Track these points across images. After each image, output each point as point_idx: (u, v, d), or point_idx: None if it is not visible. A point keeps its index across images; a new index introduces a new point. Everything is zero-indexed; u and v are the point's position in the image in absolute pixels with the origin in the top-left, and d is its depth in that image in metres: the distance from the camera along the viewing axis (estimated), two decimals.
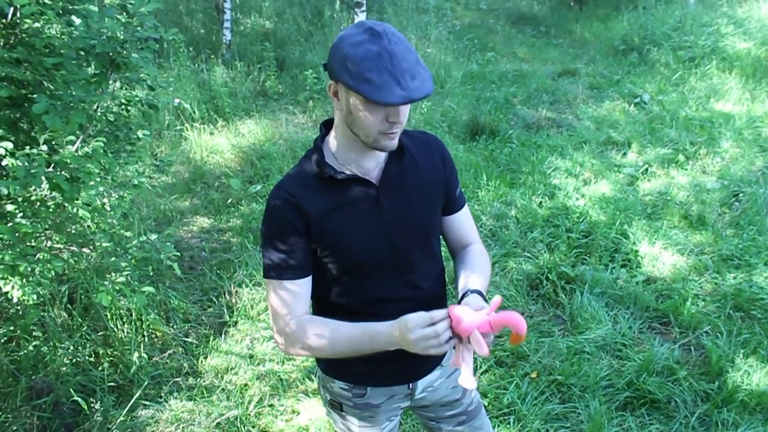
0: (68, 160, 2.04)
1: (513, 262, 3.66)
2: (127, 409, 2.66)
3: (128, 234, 2.82)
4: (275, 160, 5.21)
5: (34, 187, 2.01)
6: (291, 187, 1.34)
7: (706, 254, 3.64)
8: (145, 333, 3.08)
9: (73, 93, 2.18)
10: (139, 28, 2.23)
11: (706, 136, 5.15)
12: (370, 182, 1.36)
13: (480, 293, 1.33)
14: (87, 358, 2.90)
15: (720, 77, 6.46)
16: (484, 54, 8.25)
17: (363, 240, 1.35)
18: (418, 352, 1.19)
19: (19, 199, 2.16)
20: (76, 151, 2.20)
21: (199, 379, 2.92)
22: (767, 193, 4.16)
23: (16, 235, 2.06)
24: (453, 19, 9.96)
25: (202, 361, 3.03)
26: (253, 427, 2.64)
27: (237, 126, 6.07)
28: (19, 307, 2.77)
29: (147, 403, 2.75)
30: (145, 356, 2.96)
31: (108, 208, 2.47)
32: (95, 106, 2.43)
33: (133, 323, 3.04)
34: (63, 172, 2.04)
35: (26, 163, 1.92)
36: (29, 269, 2.09)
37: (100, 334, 3.02)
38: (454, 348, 1.22)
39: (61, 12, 2.31)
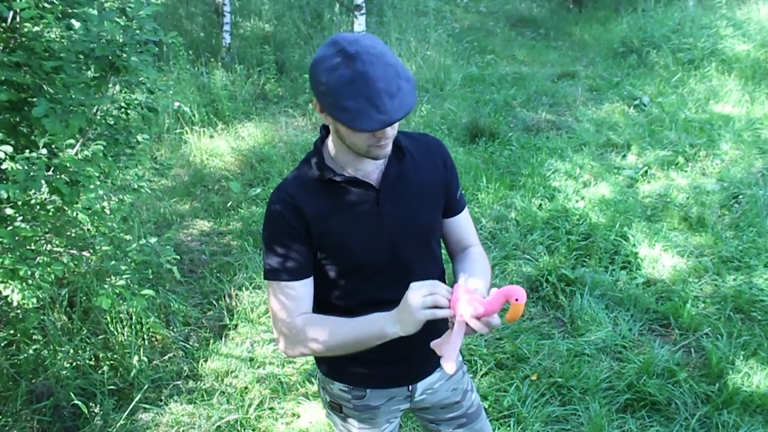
0: (68, 164, 2.04)
1: (513, 265, 3.66)
2: (127, 412, 2.65)
3: (128, 237, 2.81)
4: (275, 163, 5.21)
5: (33, 191, 2.01)
6: (291, 190, 1.35)
7: (706, 256, 3.64)
8: (145, 336, 3.08)
9: (73, 96, 2.18)
10: (138, 32, 2.24)
11: (705, 138, 5.15)
12: (370, 184, 1.36)
13: None
14: (87, 361, 2.90)
15: (719, 79, 6.47)
16: (484, 56, 8.26)
17: (363, 242, 1.36)
18: (412, 315, 1.18)
19: (19, 203, 2.16)
20: (76, 154, 2.20)
21: (199, 383, 2.92)
22: (767, 194, 4.17)
23: (16, 238, 2.06)
24: (452, 21, 9.96)
25: (202, 365, 3.03)
26: (253, 430, 2.64)
27: (237, 129, 6.08)
28: (19, 311, 2.77)
29: (147, 406, 2.75)
30: (145, 359, 2.95)
31: (108, 212, 2.47)
32: (95, 110, 2.43)
33: (133, 326, 3.04)
34: (63, 176, 2.04)
35: (26, 167, 1.92)
36: (29, 273, 2.09)
37: (100, 337, 3.02)
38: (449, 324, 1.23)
39: (60, 16, 2.31)
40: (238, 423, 2.64)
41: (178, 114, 5.99)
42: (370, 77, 1.12)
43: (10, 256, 2.04)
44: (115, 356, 2.95)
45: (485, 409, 1.81)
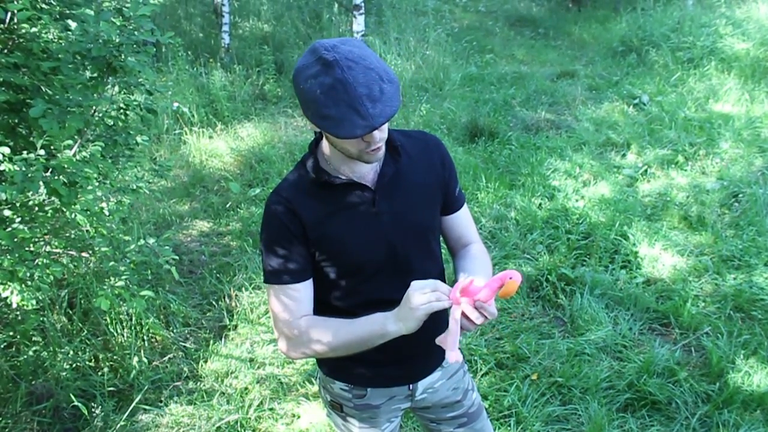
0: (66, 165, 2.03)
1: (513, 264, 3.66)
2: (127, 413, 2.65)
3: (127, 238, 2.81)
4: (274, 164, 5.21)
5: (31, 192, 2.01)
6: (288, 193, 1.35)
7: (705, 255, 3.63)
8: (145, 337, 3.08)
9: (71, 97, 2.18)
10: (135, 32, 2.23)
11: (705, 137, 5.15)
12: (366, 186, 1.36)
13: None
14: (87, 362, 2.89)
15: (719, 78, 6.46)
16: (483, 56, 8.26)
17: (360, 243, 1.35)
18: (413, 313, 1.20)
19: (17, 204, 2.16)
20: (74, 155, 2.20)
21: (199, 383, 2.92)
22: (767, 193, 4.16)
23: (15, 240, 2.06)
24: (451, 21, 9.96)
25: (202, 365, 3.03)
26: (253, 431, 2.63)
27: (236, 129, 6.07)
28: (18, 313, 2.77)
29: (147, 407, 2.74)
30: (145, 361, 2.95)
31: (107, 213, 2.46)
32: (93, 111, 2.43)
33: (132, 328, 3.03)
34: (61, 177, 2.04)
35: (24, 168, 1.91)
36: (28, 274, 2.08)
37: (99, 338, 3.02)
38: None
39: (57, 16, 2.31)
40: (238, 424, 2.64)
41: (177, 115, 5.98)
42: (349, 83, 1.11)
43: (8, 257, 2.04)
44: (114, 357, 2.94)
45: (486, 409, 1.81)
